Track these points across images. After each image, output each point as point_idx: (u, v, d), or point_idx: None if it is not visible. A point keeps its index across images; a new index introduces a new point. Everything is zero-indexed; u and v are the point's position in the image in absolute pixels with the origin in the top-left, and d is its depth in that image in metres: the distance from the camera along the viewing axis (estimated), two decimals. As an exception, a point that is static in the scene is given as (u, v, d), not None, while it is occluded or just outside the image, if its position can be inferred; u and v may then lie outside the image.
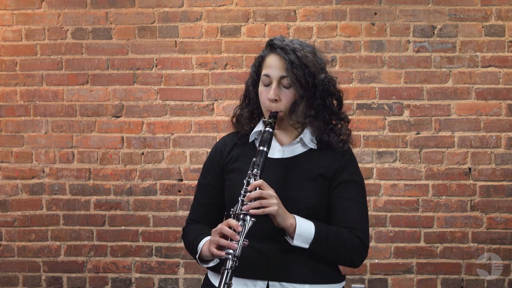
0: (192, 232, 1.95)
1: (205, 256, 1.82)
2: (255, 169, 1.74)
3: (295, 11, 3.41)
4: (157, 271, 3.45)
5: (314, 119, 1.87)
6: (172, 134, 3.45)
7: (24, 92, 3.49)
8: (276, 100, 1.82)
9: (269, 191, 1.71)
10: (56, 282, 3.48)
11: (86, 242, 3.48)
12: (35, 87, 3.49)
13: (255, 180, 1.73)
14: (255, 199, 1.70)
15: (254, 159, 1.76)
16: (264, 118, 1.87)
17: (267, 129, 1.81)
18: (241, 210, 1.71)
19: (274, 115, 1.83)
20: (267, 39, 3.39)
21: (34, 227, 3.49)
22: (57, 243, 3.49)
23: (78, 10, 3.47)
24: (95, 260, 3.47)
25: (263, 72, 1.85)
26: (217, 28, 3.42)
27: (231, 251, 1.67)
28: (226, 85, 3.38)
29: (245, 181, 1.74)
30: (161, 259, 3.45)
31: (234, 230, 1.68)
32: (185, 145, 3.44)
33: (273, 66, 1.82)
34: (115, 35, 3.46)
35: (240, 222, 1.69)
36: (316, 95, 1.84)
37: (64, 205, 3.48)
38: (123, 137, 3.47)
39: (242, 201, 1.72)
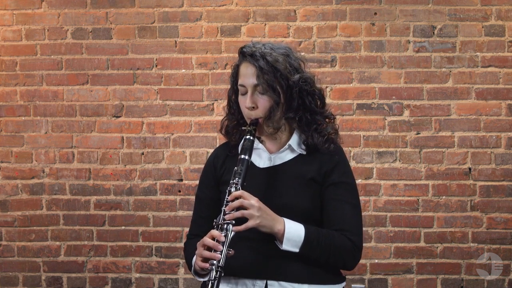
0: (190, 247, 1.96)
1: (197, 270, 1.83)
2: (236, 178, 1.74)
3: (295, 11, 3.41)
4: (157, 271, 3.45)
5: (293, 121, 1.87)
6: (172, 134, 3.45)
7: (24, 92, 3.49)
8: (253, 107, 1.83)
9: (251, 201, 1.70)
10: (56, 282, 3.49)
11: (86, 242, 3.48)
12: (35, 87, 3.49)
13: (236, 189, 1.73)
14: (237, 209, 1.70)
15: (236, 167, 1.77)
16: (244, 127, 1.88)
17: (247, 137, 1.82)
18: (224, 220, 1.70)
19: (254, 122, 1.85)
20: (267, 39, 3.42)
21: (34, 227, 3.49)
22: (57, 243, 3.49)
23: (78, 10, 3.47)
24: (95, 260, 3.47)
25: (239, 82, 1.87)
26: (217, 28, 3.42)
27: (215, 262, 1.66)
28: (226, 85, 3.35)
29: (227, 191, 1.74)
30: (161, 259, 3.45)
31: (217, 240, 1.68)
32: (185, 145, 3.44)
33: (246, 74, 1.84)
34: (115, 35, 3.46)
35: (223, 232, 1.69)
36: (293, 96, 1.84)
37: (64, 205, 3.48)
38: (123, 137, 3.47)
39: (224, 211, 1.72)
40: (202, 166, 2.10)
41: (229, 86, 1.99)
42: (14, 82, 3.49)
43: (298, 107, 1.85)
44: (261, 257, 1.80)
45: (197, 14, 3.43)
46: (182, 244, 3.39)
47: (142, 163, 3.46)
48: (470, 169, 3.36)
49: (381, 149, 3.38)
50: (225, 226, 1.70)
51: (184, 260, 3.42)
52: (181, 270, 3.45)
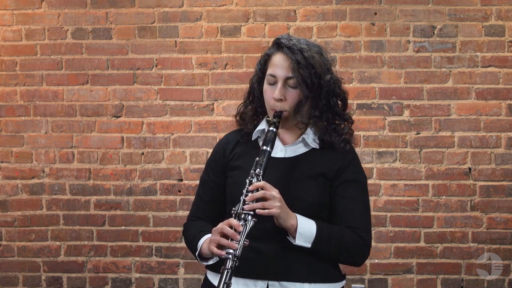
0: (193, 229, 1.95)
1: (205, 254, 1.83)
2: (258, 169, 1.74)
3: (295, 11, 3.41)
4: (157, 271, 3.45)
5: (318, 120, 1.86)
6: (172, 134, 3.45)
7: (24, 92, 3.49)
8: (281, 99, 1.82)
9: (273, 192, 1.70)
10: (56, 282, 3.48)
11: (86, 242, 3.48)
12: (35, 87, 3.49)
13: (257, 180, 1.72)
14: (258, 200, 1.70)
15: (257, 158, 1.76)
16: (268, 117, 1.87)
17: (271, 128, 1.80)
18: (243, 209, 1.70)
19: (278, 114, 1.83)
20: (267, 39, 3.42)
21: (34, 227, 3.49)
22: (57, 243, 3.49)
23: (78, 10, 3.47)
24: (95, 260, 3.47)
25: (269, 71, 1.85)
26: (217, 28, 3.42)
27: (231, 251, 1.66)
28: (226, 85, 3.38)
29: (247, 181, 1.73)
30: (161, 259, 3.45)
31: (235, 229, 1.68)
32: (185, 145, 3.44)
33: (279, 65, 1.82)
34: (115, 35, 3.46)
35: (241, 222, 1.69)
36: (321, 95, 1.84)
37: (64, 205, 3.48)
38: (123, 137, 3.47)
39: (244, 200, 1.71)
40: (202, 166, 2.10)
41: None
42: (14, 82, 3.49)
43: (322, 107, 1.85)
44: (263, 258, 1.80)
45: (197, 14, 3.43)
46: (182, 244, 3.39)
47: (142, 163, 3.46)
48: (470, 169, 3.36)
49: (381, 149, 3.38)
50: (242, 216, 1.70)
51: (184, 260, 3.42)
52: (181, 270, 3.45)
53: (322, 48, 1.89)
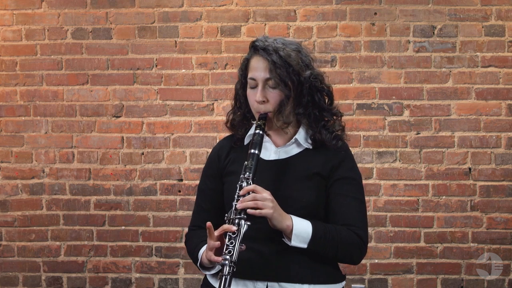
0: (194, 239, 1.95)
1: (205, 264, 1.83)
2: (247, 173, 1.74)
3: (295, 11, 3.41)
4: (157, 271, 3.45)
5: (302, 117, 1.87)
6: (172, 134, 3.45)
7: (24, 92, 3.49)
8: (263, 101, 1.83)
9: (264, 194, 1.71)
10: (56, 282, 3.48)
11: (86, 242, 3.48)
12: (35, 87, 3.49)
13: (247, 183, 1.73)
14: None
15: (246, 162, 1.76)
16: (253, 121, 1.88)
17: (257, 131, 1.81)
18: (235, 215, 1.70)
19: (263, 116, 1.84)
20: (267, 39, 3.42)
21: (34, 227, 3.49)
22: (57, 243, 3.49)
23: (78, 10, 3.47)
24: (95, 260, 3.47)
25: (249, 75, 1.86)
26: (217, 28, 3.42)
27: (228, 257, 1.66)
28: (226, 85, 3.38)
29: (237, 186, 1.74)
30: (161, 259, 3.45)
31: (229, 233, 1.68)
32: (185, 145, 3.44)
33: (257, 68, 1.83)
34: (115, 35, 3.46)
35: (235, 226, 1.69)
36: (303, 92, 1.84)
37: (64, 205, 3.48)
38: (123, 137, 3.47)
39: (235, 205, 1.71)
40: (202, 166, 2.10)
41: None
42: (14, 82, 3.49)
43: (307, 103, 1.86)
44: (262, 259, 1.80)
45: (197, 14, 3.43)
46: (182, 244, 3.39)
47: (142, 163, 3.46)
48: (470, 169, 3.36)
49: (381, 149, 3.38)
50: (236, 221, 1.69)
51: (184, 260, 3.42)
52: (181, 270, 3.45)
53: (301, 45, 1.90)
